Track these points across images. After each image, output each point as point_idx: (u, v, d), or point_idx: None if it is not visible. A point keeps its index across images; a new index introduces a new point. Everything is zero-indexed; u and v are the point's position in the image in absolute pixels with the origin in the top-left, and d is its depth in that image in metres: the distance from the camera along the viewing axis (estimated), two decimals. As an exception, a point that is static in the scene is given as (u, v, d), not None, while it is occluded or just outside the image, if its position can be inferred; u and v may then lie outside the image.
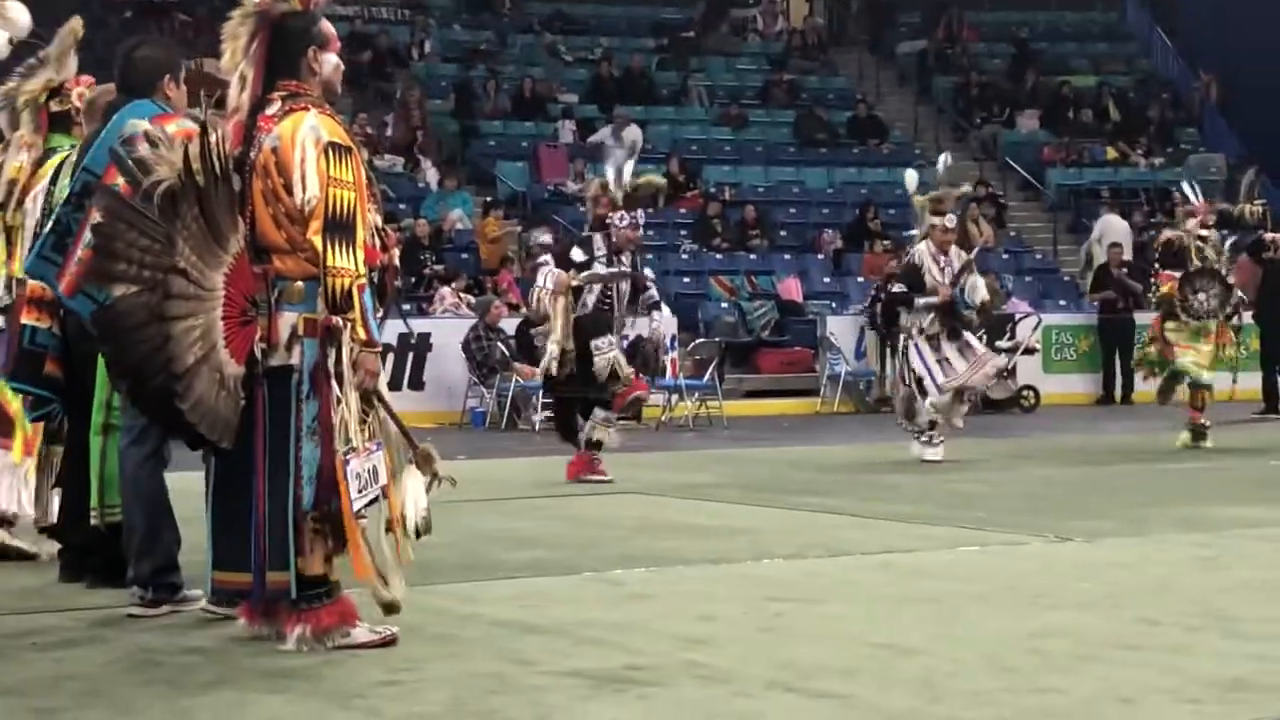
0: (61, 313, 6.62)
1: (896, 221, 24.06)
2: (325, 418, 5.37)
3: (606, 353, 10.99)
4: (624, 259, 11.19)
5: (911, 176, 13.45)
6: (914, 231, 13.15)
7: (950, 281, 12.42)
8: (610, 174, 11.49)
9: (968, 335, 12.61)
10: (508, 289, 19.58)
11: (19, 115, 7.28)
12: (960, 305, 12.48)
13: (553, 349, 11.07)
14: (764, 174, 25.36)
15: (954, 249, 12.67)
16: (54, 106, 7.37)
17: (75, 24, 7.45)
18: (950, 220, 12.77)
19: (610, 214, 11.19)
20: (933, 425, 12.45)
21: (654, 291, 11.77)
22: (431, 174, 23.41)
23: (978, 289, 12.59)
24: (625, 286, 11.25)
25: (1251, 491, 10.42)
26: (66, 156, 6.83)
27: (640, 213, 11.34)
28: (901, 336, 12.68)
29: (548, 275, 11.16)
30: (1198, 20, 29.70)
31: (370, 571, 5.45)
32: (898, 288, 12.72)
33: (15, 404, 7.31)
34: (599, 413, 11.18)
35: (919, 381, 12.37)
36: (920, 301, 12.38)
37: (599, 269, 11.09)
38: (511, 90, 25.40)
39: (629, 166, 11.53)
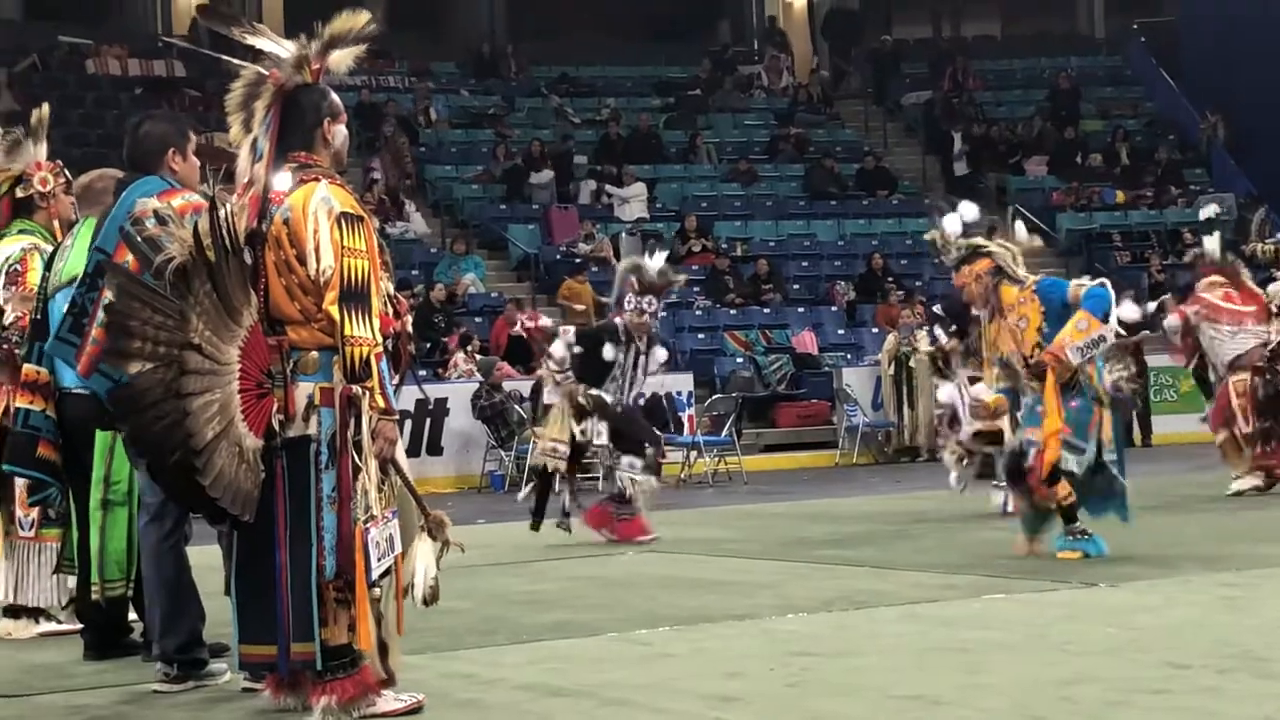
0: (58, 395, 6.65)
1: (909, 271, 24.08)
2: (344, 487, 5.38)
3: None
4: (638, 343, 11.03)
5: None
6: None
7: None
8: (637, 261, 11.28)
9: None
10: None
11: None
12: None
13: (547, 445, 10.98)
14: (774, 228, 25.40)
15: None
16: (18, 193, 7.48)
17: (41, 112, 7.57)
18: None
19: (631, 296, 11.03)
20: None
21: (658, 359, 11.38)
22: (418, 219, 23.49)
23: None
24: (634, 369, 11.11)
25: (1276, 529, 10.36)
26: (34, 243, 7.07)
27: (654, 300, 11.08)
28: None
29: (562, 375, 10.98)
30: (1201, 61, 29.76)
31: (373, 642, 5.43)
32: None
33: None
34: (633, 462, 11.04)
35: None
36: None
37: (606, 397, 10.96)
38: (520, 153, 25.49)
39: (659, 258, 11.26)
